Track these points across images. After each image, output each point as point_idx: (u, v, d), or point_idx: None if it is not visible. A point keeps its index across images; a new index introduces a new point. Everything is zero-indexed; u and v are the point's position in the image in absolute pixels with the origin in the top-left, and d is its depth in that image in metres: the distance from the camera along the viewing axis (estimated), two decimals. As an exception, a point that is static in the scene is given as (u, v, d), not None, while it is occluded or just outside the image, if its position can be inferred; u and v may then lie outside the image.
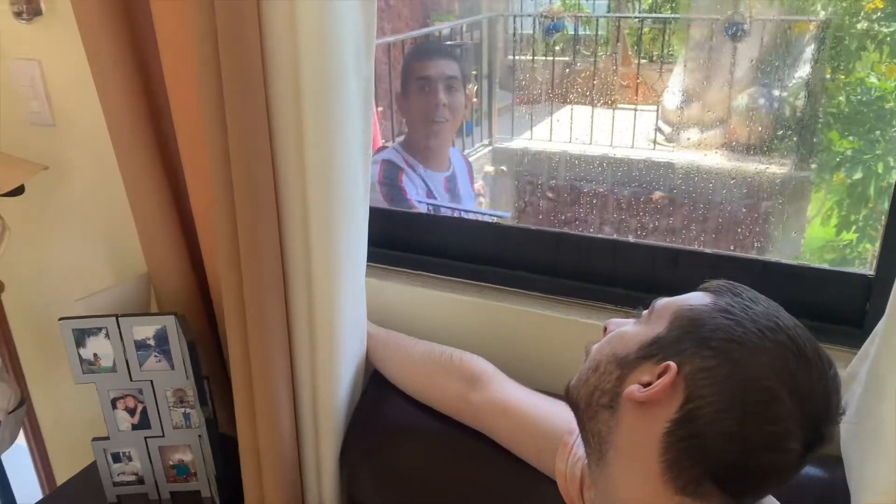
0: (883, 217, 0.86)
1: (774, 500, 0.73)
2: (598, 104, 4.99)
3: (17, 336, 1.60)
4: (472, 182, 1.88)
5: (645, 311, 0.76)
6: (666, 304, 0.73)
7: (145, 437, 1.19)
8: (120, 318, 1.11)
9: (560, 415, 0.90)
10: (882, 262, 0.90)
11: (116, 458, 1.21)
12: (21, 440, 1.72)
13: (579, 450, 0.86)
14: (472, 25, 4.94)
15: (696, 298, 0.71)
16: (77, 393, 1.18)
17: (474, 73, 4.93)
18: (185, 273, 1.19)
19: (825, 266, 0.97)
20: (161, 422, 1.18)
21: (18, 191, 1.13)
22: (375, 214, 1.05)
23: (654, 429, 0.66)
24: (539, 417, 0.91)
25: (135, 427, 1.19)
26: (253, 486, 1.08)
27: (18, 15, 1.15)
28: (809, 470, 0.84)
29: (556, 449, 0.87)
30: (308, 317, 0.98)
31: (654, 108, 5.01)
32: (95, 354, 1.13)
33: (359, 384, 1.09)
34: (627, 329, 0.75)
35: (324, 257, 0.94)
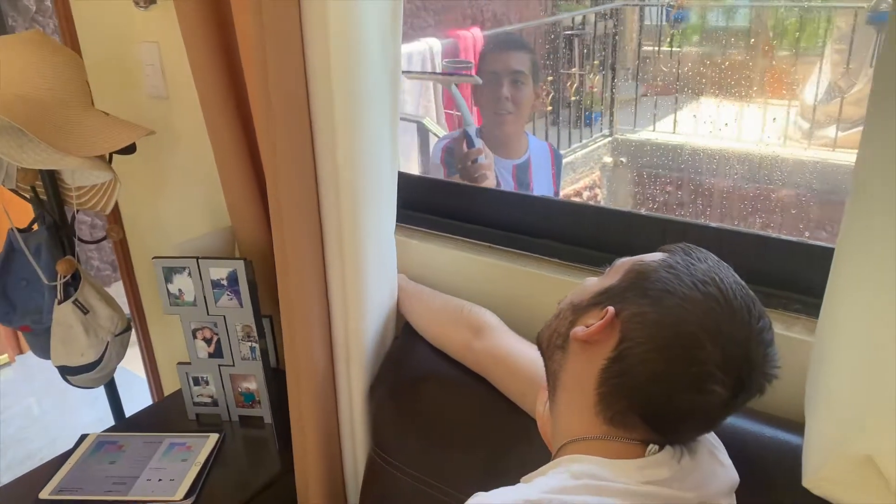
0: None
1: (715, 444, 0.79)
2: (729, 97, 4.81)
3: (139, 273, 1.88)
4: (555, 173, 1.92)
5: (608, 268, 0.84)
6: (624, 261, 0.80)
7: (219, 365, 1.40)
8: (200, 260, 1.32)
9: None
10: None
11: (196, 381, 1.43)
12: (140, 367, 2.02)
13: (551, 391, 0.94)
14: (599, 15, 4.93)
15: (651, 256, 0.78)
16: (177, 325, 1.40)
17: (597, 62, 4.91)
18: (259, 227, 1.38)
19: (801, 238, 0.98)
20: (232, 352, 1.38)
21: (130, 149, 1.35)
22: (418, 182, 1.17)
23: (592, 366, 0.74)
24: (527, 364, 1.00)
25: (211, 356, 1.39)
26: (297, 413, 1.24)
27: (136, 3, 1.38)
28: (787, 435, 0.88)
29: (535, 393, 0.96)
30: (341, 267, 1.13)
31: (788, 102, 4.76)
32: (180, 290, 1.34)
33: (389, 330, 1.22)
34: (589, 282, 0.83)
35: (351, 217, 1.08)
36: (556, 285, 1.14)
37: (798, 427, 0.84)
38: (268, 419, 1.43)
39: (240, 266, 1.30)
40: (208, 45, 1.24)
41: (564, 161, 4.57)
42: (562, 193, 4.53)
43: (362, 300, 1.13)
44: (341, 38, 0.98)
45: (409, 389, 1.18)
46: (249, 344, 1.37)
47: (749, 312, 0.71)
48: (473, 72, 3.56)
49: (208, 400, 1.44)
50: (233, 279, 1.32)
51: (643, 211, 1.13)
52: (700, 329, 0.69)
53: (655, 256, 0.78)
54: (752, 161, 4.57)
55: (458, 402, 1.12)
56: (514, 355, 1.02)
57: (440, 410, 1.13)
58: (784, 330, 0.94)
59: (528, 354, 1.01)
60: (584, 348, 0.76)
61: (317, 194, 1.11)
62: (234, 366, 1.39)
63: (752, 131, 4.85)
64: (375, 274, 1.13)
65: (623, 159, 4.85)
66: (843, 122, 4.52)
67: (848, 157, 4.39)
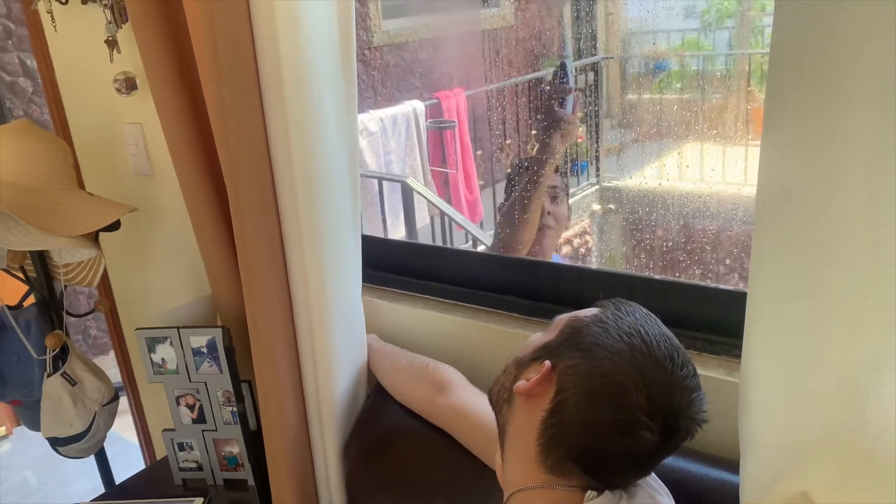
0: None
1: (656, 487, 0.83)
2: (713, 140, 4.92)
3: (130, 343, 1.94)
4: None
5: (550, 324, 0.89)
6: (562, 317, 0.86)
7: (202, 430, 1.44)
8: (180, 330, 1.37)
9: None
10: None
11: (181, 447, 1.47)
12: (133, 434, 2.06)
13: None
14: (580, 69, 5.08)
15: (585, 312, 0.84)
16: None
17: (581, 115, 5.05)
18: (237, 295, 1.43)
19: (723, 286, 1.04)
20: (214, 417, 1.43)
21: (115, 226, 1.43)
22: (380, 244, 1.23)
23: (534, 417, 0.79)
24: (486, 418, 1.04)
25: (194, 421, 1.44)
26: (273, 469, 1.28)
27: (119, 91, 1.47)
28: (727, 475, 0.92)
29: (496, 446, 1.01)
30: (309, 331, 1.19)
31: (771, 143, 4.84)
32: (163, 358, 1.40)
33: (361, 389, 1.28)
34: (533, 337, 0.88)
35: (317, 283, 1.14)
36: (517, 339, 1.19)
37: (737, 466, 0.88)
38: (251, 482, 1.46)
39: (218, 334, 1.36)
40: (183, 128, 1.32)
41: (553, 211, 4.66)
42: (553, 242, 4.60)
43: (331, 361, 1.19)
44: (299, 103, 1.06)
45: (380, 447, 1.22)
46: (230, 408, 1.41)
47: (672, 361, 0.76)
48: (457, 129, 3.68)
49: (193, 465, 1.48)
50: (212, 346, 1.37)
51: (594, 266, 1.19)
52: (626, 378, 0.75)
53: (588, 312, 0.83)
54: (740, 203, 4.65)
55: (426, 458, 1.16)
56: (473, 410, 1.07)
57: (410, 466, 1.18)
58: (726, 375, 0.99)
59: (487, 408, 1.06)
60: (527, 401, 0.81)
61: (285, 264, 1.17)
62: (216, 430, 1.44)
63: (736, 173, 4.94)
64: (343, 335, 1.19)
65: (612, 206, 4.93)
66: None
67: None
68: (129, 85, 1.48)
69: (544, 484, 0.79)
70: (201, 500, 1.41)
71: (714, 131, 4.88)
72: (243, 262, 1.18)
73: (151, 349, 1.40)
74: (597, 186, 5.03)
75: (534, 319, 1.22)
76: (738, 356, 1.01)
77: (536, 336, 0.88)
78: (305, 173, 1.10)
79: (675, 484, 0.86)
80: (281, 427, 1.22)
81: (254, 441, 1.43)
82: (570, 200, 4.82)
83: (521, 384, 0.81)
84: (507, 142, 4.24)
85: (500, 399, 0.86)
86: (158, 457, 1.98)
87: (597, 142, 5.04)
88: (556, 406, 0.77)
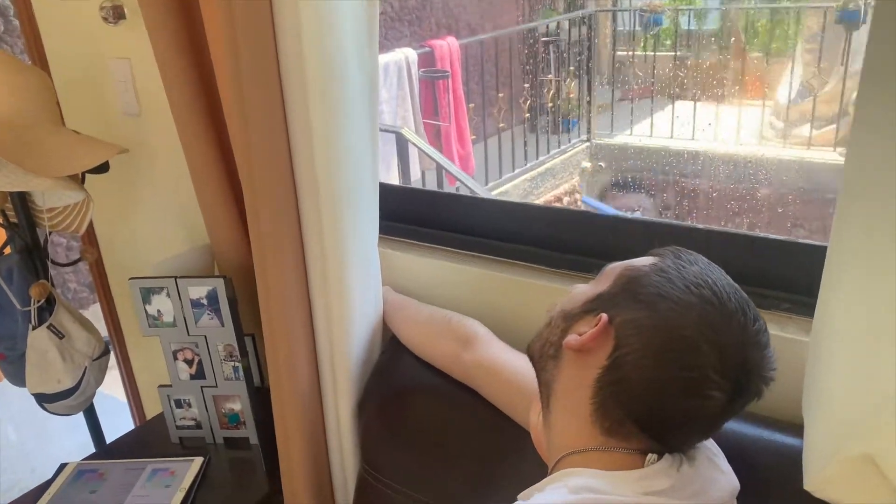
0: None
1: (713, 451, 0.77)
2: (704, 99, 4.85)
3: (117, 294, 1.84)
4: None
5: (598, 274, 0.82)
6: (614, 266, 0.79)
7: (201, 387, 1.36)
8: (178, 280, 1.28)
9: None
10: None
11: (178, 403, 1.39)
12: (120, 391, 1.97)
13: (544, 402, 0.93)
14: (573, 21, 4.95)
15: (641, 260, 0.77)
16: (157, 345, 1.36)
17: (572, 69, 4.93)
18: (238, 243, 1.35)
19: (790, 238, 0.97)
20: (214, 373, 1.35)
21: (103, 168, 1.32)
22: (397, 192, 1.14)
23: (587, 375, 0.72)
24: (518, 376, 0.98)
25: (192, 377, 1.36)
26: (283, 433, 1.21)
27: (105, 19, 1.35)
28: (777, 435, 0.87)
29: (529, 405, 0.94)
30: (323, 281, 1.10)
31: (763, 102, 4.80)
32: (159, 310, 1.31)
33: (376, 344, 1.20)
34: (579, 288, 0.81)
35: (333, 230, 1.05)
36: (543, 292, 1.12)
37: (796, 429, 0.83)
38: (254, 440, 1.39)
39: (219, 284, 1.27)
40: (180, 59, 1.21)
41: (544, 167, 4.58)
42: (542, 199, 4.54)
43: (347, 314, 1.11)
44: (316, 46, 0.96)
45: (397, 404, 1.15)
46: (232, 364, 1.33)
47: (744, 314, 0.70)
48: (450, 79, 3.56)
49: (191, 423, 1.40)
50: (213, 298, 1.28)
51: (629, 214, 1.12)
52: (696, 333, 0.68)
53: (646, 260, 0.76)
54: (732, 161, 4.60)
55: (448, 416, 1.10)
56: (504, 366, 1.00)
57: (430, 424, 1.11)
58: (778, 330, 0.93)
59: (519, 364, 0.99)
60: (578, 357, 0.74)
61: (297, 208, 1.08)
62: (217, 387, 1.36)
63: (728, 132, 4.90)
64: (360, 287, 1.11)
65: (602, 164, 4.87)
66: (817, 119, 4.57)
67: (824, 155, 4.44)
68: (116, 13, 1.35)
69: (600, 446, 0.72)
70: (201, 459, 1.34)
71: (706, 90, 4.81)
72: (252, 207, 1.08)
73: (146, 300, 1.31)
74: (587, 143, 4.95)
75: (558, 271, 1.14)
76: (787, 310, 0.96)
77: (582, 287, 0.81)
78: (322, 113, 1.00)
79: (726, 445, 0.80)
80: (291, 383, 1.14)
81: (257, 398, 1.35)
82: (561, 158, 4.74)
83: (571, 339, 0.74)
84: (500, 95, 4.13)
85: (545, 355, 0.79)
86: (148, 415, 1.90)
87: (588, 98, 4.95)
88: (614, 363, 0.71)
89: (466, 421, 1.06)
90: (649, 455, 0.71)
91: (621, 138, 5.30)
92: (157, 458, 1.35)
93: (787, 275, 0.96)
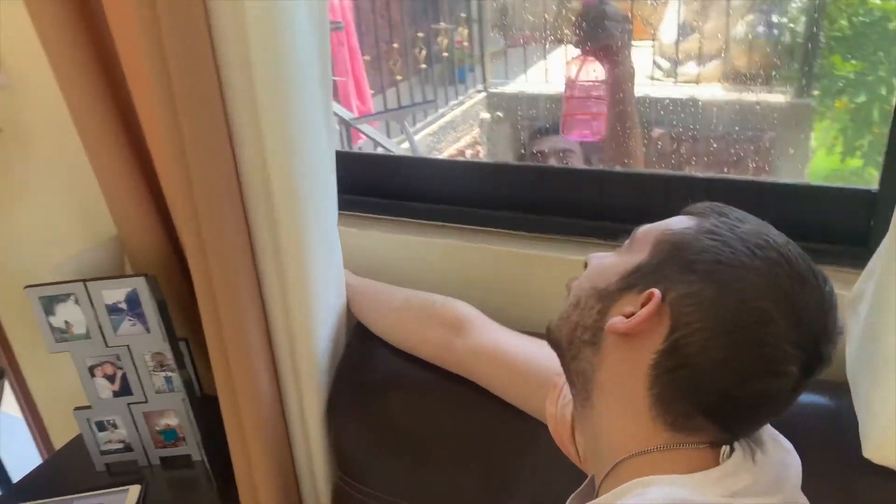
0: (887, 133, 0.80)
1: (771, 428, 0.69)
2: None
3: (4, 308, 1.56)
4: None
5: (626, 241, 0.71)
6: (647, 230, 0.68)
7: (128, 404, 1.16)
8: (88, 283, 1.07)
9: (548, 357, 0.85)
10: (886, 177, 0.84)
11: (101, 426, 1.18)
12: (17, 411, 1.70)
13: (567, 391, 0.82)
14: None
15: (679, 222, 0.66)
16: (62, 362, 1.14)
17: (463, 16, 4.77)
18: (154, 231, 1.14)
19: (824, 183, 0.90)
20: (143, 387, 1.15)
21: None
22: (350, 160, 0.99)
23: (639, 362, 0.61)
24: (526, 361, 0.86)
25: (116, 394, 1.15)
26: (238, 446, 1.04)
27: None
28: (816, 398, 0.80)
29: (545, 392, 0.83)
30: (277, 269, 0.93)
31: (651, 43, 4.86)
32: (67, 322, 1.09)
33: (341, 337, 1.05)
34: (607, 260, 0.70)
35: (288, 208, 0.88)
36: (530, 262, 1.00)
37: (830, 388, 0.76)
38: (196, 456, 1.21)
39: (140, 284, 1.07)
40: (63, 19, 0.98)
41: (444, 120, 4.44)
42: (445, 153, 4.40)
43: (309, 306, 0.95)
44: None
45: (373, 402, 1.01)
46: (164, 374, 1.14)
47: (815, 276, 0.61)
48: (345, 31, 3.31)
49: (119, 446, 1.20)
50: (133, 301, 1.08)
51: (618, 168, 1.02)
52: (769, 303, 0.58)
53: (686, 222, 0.66)
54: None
55: (436, 410, 0.97)
56: (505, 350, 0.88)
57: (415, 422, 0.98)
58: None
59: (523, 347, 0.88)
60: (625, 342, 0.63)
61: (239, 188, 0.90)
62: (147, 402, 1.16)
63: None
64: (322, 273, 0.95)
65: (500, 113, 4.77)
66: (702, 57, 4.67)
67: (712, 91, 4.54)
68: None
69: (665, 444, 0.61)
70: (138, 486, 1.15)
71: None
72: (180, 190, 0.89)
73: (49, 311, 1.08)
74: (484, 93, 4.83)
75: (542, 236, 1.03)
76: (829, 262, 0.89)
77: (608, 258, 0.70)
78: (267, 79, 0.82)
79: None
80: (247, 390, 0.97)
81: (199, 409, 1.17)
82: (461, 109, 4.61)
83: (617, 321, 0.62)
84: (395, 45, 3.91)
85: (578, 341, 0.67)
86: (58, 444, 1.65)
87: (481, 45, 4.81)
88: (673, 346, 0.60)
89: (460, 415, 0.94)
90: (723, 449, 0.61)
91: (517, 86, 5.22)
92: (83, 493, 1.14)
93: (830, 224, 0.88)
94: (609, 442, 0.65)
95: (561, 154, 1.29)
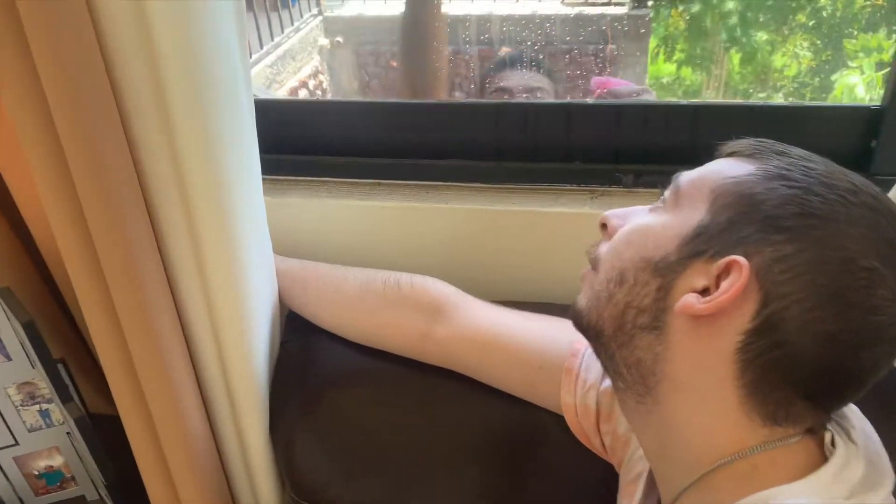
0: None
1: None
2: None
3: None
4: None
5: (664, 195, 0.58)
6: (695, 180, 0.55)
7: (-8, 451, 0.90)
8: (-88, 307, 0.78)
9: (552, 335, 0.72)
10: (889, 94, 0.77)
11: (-44, 483, 0.91)
12: None
13: (588, 374, 0.69)
14: None
15: (735, 167, 0.54)
16: None
17: (290, -68, 4.33)
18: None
19: (819, 103, 0.82)
20: (10, 427, 0.89)
21: None
22: (269, 109, 0.77)
23: (722, 347, 0.50)
24: (528, 343, 0.72)
25: (-27, 441, 0.88)
26: (155, 477, 0.82)
27: None
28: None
29: (556, 378, 0.70)
30: (194, 253, 0.70)
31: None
32: None
33: (276, 335, 0.85)
34: (649, 221, 0.57)
35: (202, 165, 0.65)
36: (496, 219, 0.85)
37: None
38: (93, 495, 0.97)
39: (-10, 299, 0.80)
40: None
41: (282, 49, 4.07)
42: (288, 87, 4.06)
43: (239, 298, 0.73)
44: None
45: (327, 408, 0.83)
46: (37, 407, 0.88)
47: None
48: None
49: (-15, 502, 0.94)
50: (-18, 322, 0.81)
51: (588, 100, 0.88)
52: (876, 259, 0.48)
53: (743, 166, 0.54)
54: (470, 22, 4.49)
55: (411, 410, 0.81)
56: (500, 333, 0.73)
57: (385, 427, 0.81)
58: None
59: (524, 328, 0.74)
60: (702, 324, 0.51)
61: (130, 156, 0.65)
62: (17, 444, 0.90)
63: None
64: (252, 254, 0.73)
65: (339, 39, 4.45)
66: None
67: (554, 6, 4.51)
68: None
69: (765, 442, 0.51)
70: (20, 550, 0.90)
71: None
72: (51, 172, 0.63)
73: None
74: (320, 18, 4.47)
75: (520, 187, 0.88)
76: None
77: (643, 218, 0.57)
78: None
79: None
80: (163, 409, 0.75)
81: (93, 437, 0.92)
82: (298, 37, 4.24)
83: (692, 301, 0.50)
84: None
85: (632, 326, 0.55)
86: None
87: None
88: (766, 323, 0.49)
89: (445, 413, 0.79)
90: (827, 438, 0.52)
91: (353, 8, 4.90)
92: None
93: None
94: (691, 446, 0.53)
95: (531, 93, 1.13)
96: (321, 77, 4.34)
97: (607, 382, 0.68)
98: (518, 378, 0.73)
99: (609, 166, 0.85)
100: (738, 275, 0.49)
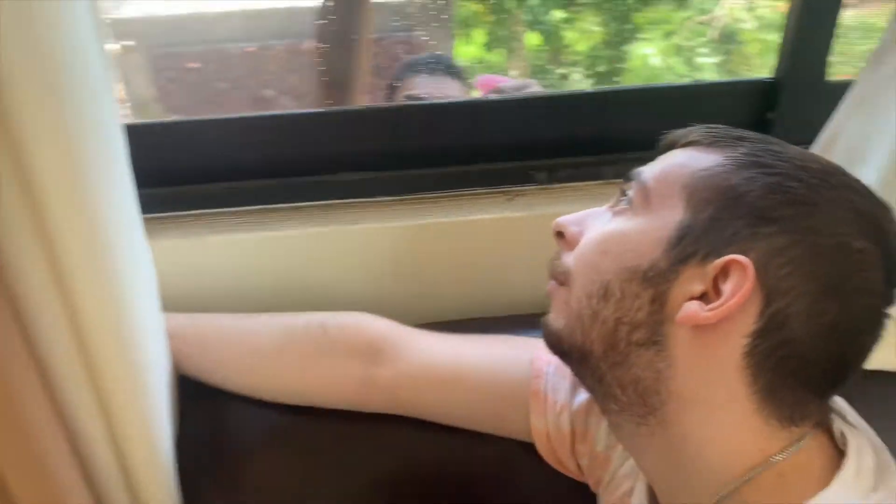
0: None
1: None
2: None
3: None
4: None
5: (626, 195, 0.54)
6: (662, 176, 0.52)
7: None
8: None
9: (512, 357, 0.66)
10: (783, 65, 0.78)
11: None
12: None
13: (556, 395, 0.64)
14: None
15: (701, 159, 0.51)
16: None
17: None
18: None
19: (720, 79, 0.83)
20: None
21: None
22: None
23: (728, 354, 0.47)
24: (488, 372, 0.65)
25: None
26: None
27: None
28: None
29: (524, 404, 0.64)
30: (65, 312, 0.54)
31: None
32: None
33: (175, 412, 0.70)
34: (621, 227, 0.52)
35: (70, 198, 0.50)
36: (413, 235, 0.77)
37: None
38: None
39: None
40: None
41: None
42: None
43: (134, 374, 0.58)
44: None
45: (251, 482, 0.70)
46: None
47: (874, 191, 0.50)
48: None
49: None
50: None
51: (491, 96, 0.81)
52: (865, 241, 0.47)
53: (711, 156, 0.51)
54: (270, 16, 4.29)
55: (351, 468, 0.70)
56: (458, 365, 0.65)
57: (324, 489, 0.70)
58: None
59: (477, 356, 0.66)
60: (706, 332, 0.48)
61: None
62: None
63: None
64: (144, 309, 0.59)
65: (132, 42, 4.06)
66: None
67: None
68: None
69: (786, 447, 0.48)
70: None
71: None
72: None
73: None
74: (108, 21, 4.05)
75: (431, 196, 0.80)
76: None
77: (613, 224, 0.53)
78: None
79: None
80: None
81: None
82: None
83: (695, 310, 0.47)
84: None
85: (627, 344, 0.50)
86: None
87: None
88: (772, 322, 0.46)
89: (394, 464, 0.69)
90: (837, 431, 0.51)
91: (132, 9, 4.49)
92: None
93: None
94: (709, 465, 0.50)
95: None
96: (118, 84, 3.93)
97: (579, 399, 0.63)
98: (483, 412, 0.66)
99: (519, 164, 0.80)
100: (743, 275, 0.46)
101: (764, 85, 0.79)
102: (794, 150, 0.51)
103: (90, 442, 0.61)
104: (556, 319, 0.55)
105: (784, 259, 0.46)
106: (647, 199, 0.51)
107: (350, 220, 0.77)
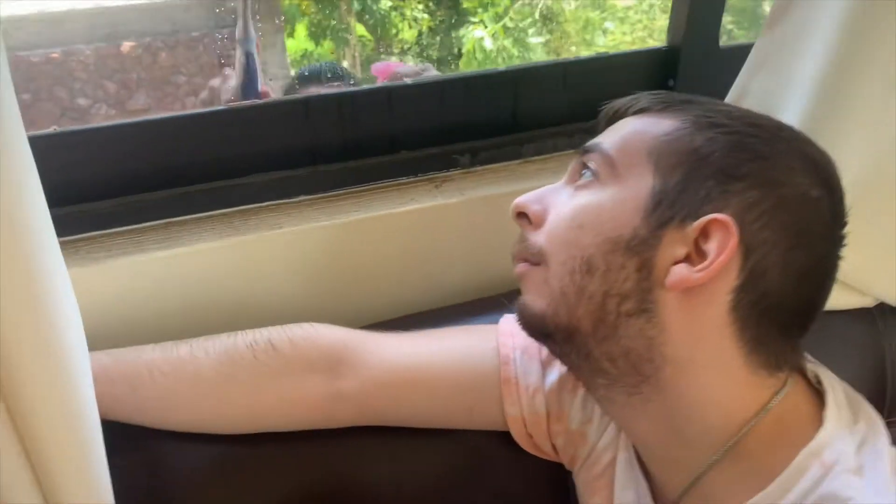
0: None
1: None
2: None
3: None
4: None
5: (589, 168, 0.53)
6: (623, 145, 0.52)
7: None
8: None
9: (476, 348, 0.64)
10: (677, 33, 0.81)
11: None
12: None
13: (527, 379, 0.63)
14: None
15: (656, 125, 0.52)
16: None
17: None
18: None
19: (620, 51, 0.85)
20: None
21: None
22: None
23: (715, 312, 0.49)
24: (456, 367, 0.62)
25: None
26: None
27: None
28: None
29: (495, 393, 0.62)
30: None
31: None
32: None
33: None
34: (592, 200, 0.52)
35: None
36: (343, 233, 0.72)
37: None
38: None
39: None
40: None
41: None
42: None
43: (72, 424, 0.50)
44: None
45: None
46: None
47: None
48: None
49: None
50: None
51: (406, 81, 0.77)
52: (819, 186, 0.50)
53: (669, 122, 0.53)
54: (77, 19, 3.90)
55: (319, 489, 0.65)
56: (428, 365, 0.62)
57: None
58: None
59: (444, 352, 0.63)
60: (694, 294, 0.49)
61: None
62: None
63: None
64: (74, 349, 0.50)
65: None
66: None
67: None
68: None
69: (776, 392, 0.51)
70: None
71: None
72: None
73: None
74: None
75: (355, 190, 0.75)
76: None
77: (583, 198, 0.53)
78: None
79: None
80: None
81: None
82: None
83: (684, 273, 0.49)
84: None
85: (617, 315, 0.50)
86: None
87: None
88: (752, 276, 0.49)
89: (377, 477, 0.65)
90: (810, 373, 0.54)
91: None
92: None
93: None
94: (709, 422, 0.51)
95: None
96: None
97: (550, 379, 0.62)
98: (456, 408, 0.63)
99: (441, 149, 0.78)
100: (725, 233, 0.47)
101: (662, 54, 0.82)
102: (738, 108, 0.54)
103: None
104: (534, 301, 0.53)
105: (757, 213, 0.48)
106: (613, 169, 0.51)
107: (271, 224, 0.70)
